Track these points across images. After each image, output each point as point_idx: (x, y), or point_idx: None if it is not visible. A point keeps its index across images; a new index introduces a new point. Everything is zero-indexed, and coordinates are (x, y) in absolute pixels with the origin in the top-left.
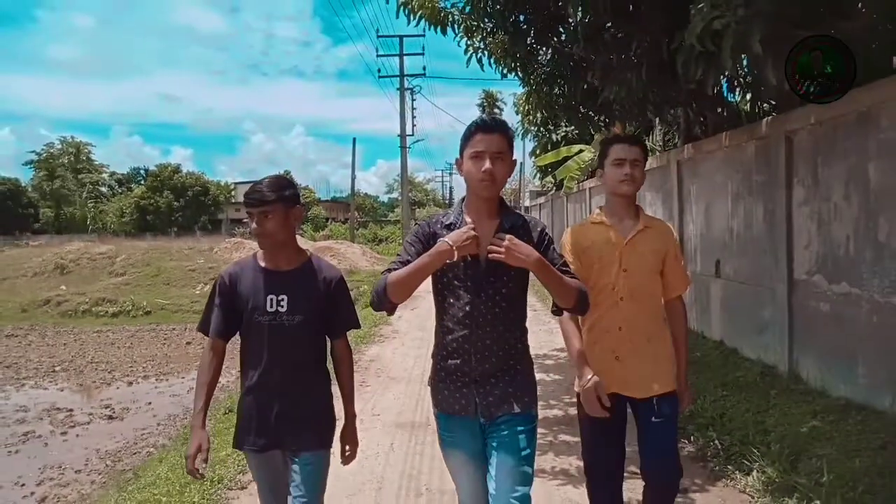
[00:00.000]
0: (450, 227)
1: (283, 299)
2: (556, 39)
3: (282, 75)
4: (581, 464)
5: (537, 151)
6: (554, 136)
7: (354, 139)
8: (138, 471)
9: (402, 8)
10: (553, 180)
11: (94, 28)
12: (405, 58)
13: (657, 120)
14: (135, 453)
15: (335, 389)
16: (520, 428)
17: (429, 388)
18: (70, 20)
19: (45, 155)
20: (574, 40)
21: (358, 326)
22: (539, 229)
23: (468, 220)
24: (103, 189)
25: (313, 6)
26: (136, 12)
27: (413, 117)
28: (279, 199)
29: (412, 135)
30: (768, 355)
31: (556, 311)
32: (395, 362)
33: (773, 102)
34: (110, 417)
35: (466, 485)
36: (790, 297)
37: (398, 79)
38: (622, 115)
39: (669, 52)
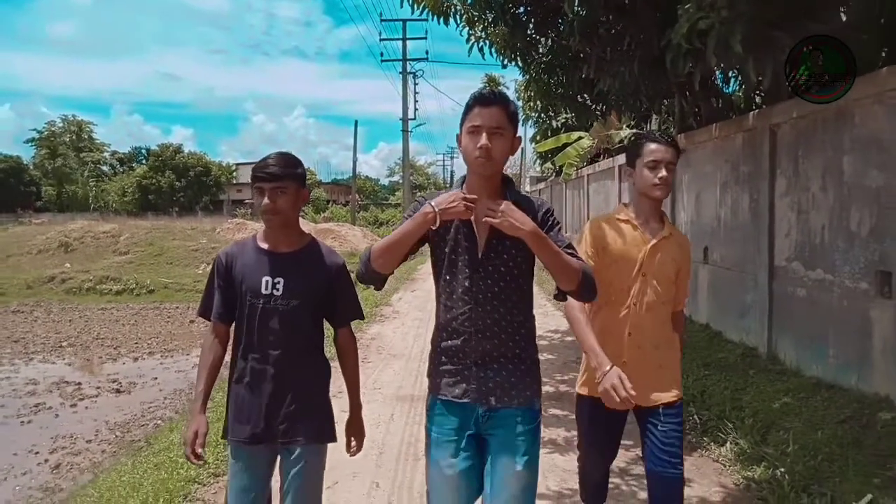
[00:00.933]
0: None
1: (279, 282)
2: (553, 32)
3: (283, 55)
4: (567, 434)
5: (537, 137)
6: (554, 123)
7: (356, 122)
8: (150, 439)
9: (418, 9)
10: (553, 166)
11: (95, 6)
12: (408, 42)
13: (653, 110)
14: (143, 425)
15: (336, 382)
16: (520, 429)
17: (427, 378)
18: None
19: (46, 133)
20: (570, 34)
21: (361, 317)
22: (544, 209)
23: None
24: (104, 168)
25: None
26: None
27: (415, 101)
28: (292, 177)
29: (414, 119)
30: (749, 338)
31: (559, 295)
32: (395, 340)
33: (763, 95)
34: (118, 391)
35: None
36: (770, 282)
37: (401, 63)
38: (618, 104)
39: (660, 48)
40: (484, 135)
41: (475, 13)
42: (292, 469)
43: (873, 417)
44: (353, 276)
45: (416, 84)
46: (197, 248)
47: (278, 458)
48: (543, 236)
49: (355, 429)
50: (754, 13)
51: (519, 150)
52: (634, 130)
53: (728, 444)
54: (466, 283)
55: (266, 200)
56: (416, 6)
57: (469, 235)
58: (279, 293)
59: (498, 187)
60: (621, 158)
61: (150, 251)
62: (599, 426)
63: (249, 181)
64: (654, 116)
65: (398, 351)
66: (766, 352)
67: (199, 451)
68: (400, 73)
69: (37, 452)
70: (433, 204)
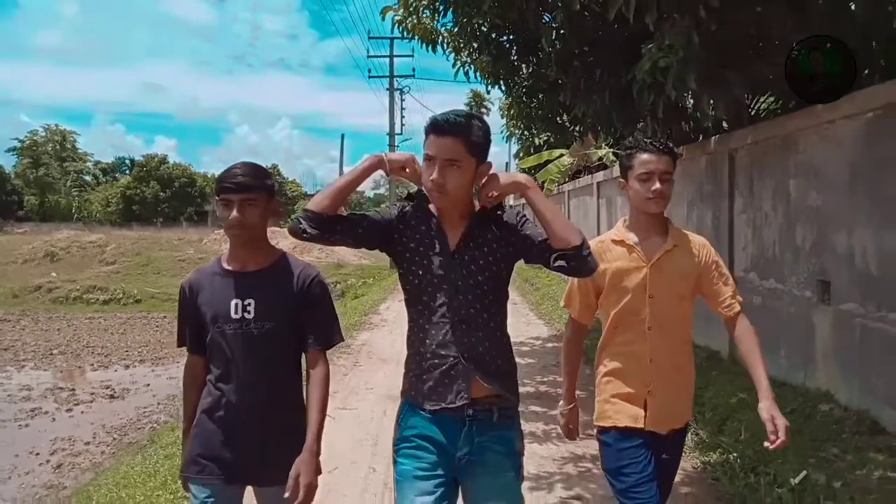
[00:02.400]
0: (406, 209)
1: (249, 304)
2: (533, 60)
3: (268, 68)
4: (546, 427)
5: (521, 154)
6: (537, 140)
7: (343, 136)
8: (153, 437)
9: (397, 26)
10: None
11: (79, 15)
12: (395, 58)
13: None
14: (139, 428)
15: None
16: (507, 474)
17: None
18: (54, 6)
19: (28, 142)
20: (548, 64)
21: (340, 340)
22: (515, 212)
23: (433, 209)
24: (87, 178)
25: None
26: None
27: (402, 117)
28: (262, 187)
29: (401, 134)
30: (713, 343)
31: (557, 257)
32: (384, 346)
33: (727, 121)
34: (112, 397)
35: None
36: None
37: (388, 79)
38: (594, 127)
39: (627, 80)
40: (437, 167)
41: (461, 42)
42: None
43: (815, 409)
44: (340, 285)
45: (402, 100)
46: (184, 259)
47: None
48: (536, 183)
49: (304, 468)
50: (707, 55)
51: (502, 161)
52: (613, 149)
53: (689, 435)
54: (442, 272)
55: (234, 213)
56: (405, 33)
57: (437, 229)
58: (251, 316)
59: (466, 210)
60: (600, 175)
61: (136, 261)
62: (639, 458)
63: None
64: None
65: (387, 356)
66: (728, 355)
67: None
68: (387, 89)
69: (37, 454)
70: (384, 153)
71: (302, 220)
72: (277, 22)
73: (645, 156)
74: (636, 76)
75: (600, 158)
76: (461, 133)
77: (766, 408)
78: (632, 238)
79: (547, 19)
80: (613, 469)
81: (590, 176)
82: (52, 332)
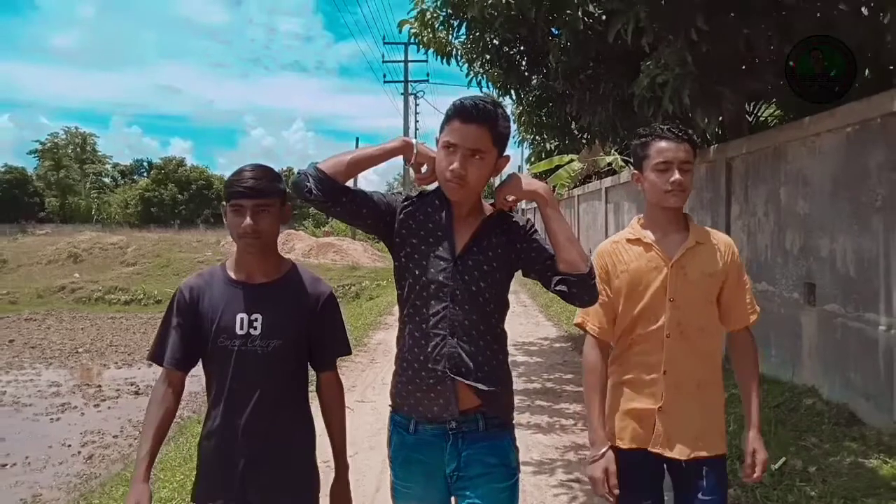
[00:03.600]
0: (414, 202)
1: (256, 319)
2: (542, 72)
3: (283, 70)
4: (550, 419)
5: (532, 159)
6: (548, 146)
7: (357, 139)
8: (182, 429)
9: (413, 38)
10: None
11: (96, 17)
12: (409, 62)
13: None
14: None
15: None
16: (499, 486)
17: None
18: (72, 9)
19: (49, 144)
20: (556, 77)
21: (348, 352)
22: (523, 222)
23: (440, 206)
24: (106, 180)
25: (316, 2)
26: (138, 2)
27: (416, 121)
28: (276, 192)
29: (415, 137)
30: None
31: (561, 282)
32: None
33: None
34: (136, 393)
35: None
36: None
37: (402, 84)
38: (601, 136)
39: (629, 93)
40: (458, 158)
41: (474, 54)
42: None
43: (799, 403)
44: (354, 288)
45: (417, 105)
46: (203, 261)
47: None
48: (556, 202)
49: (341, 495)
50: (700, 72)
51: (515, 164)
52: (622, 156)
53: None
54: (441, 278)
55: (247, 220)
56: (421, 46)
57: (444, 229)
58: (257, 332)
59: (475, 206)
60: (608, 181)
61: (157, 262)
62: (642, 489)
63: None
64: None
65: None
66: (722, 354)
67: None
68: (402, 94)
69: (69, 445)
70: (415, 141)
71: (310, 178)
72: (292, 24)
73: (662, 143)
74: (636, 91)
75: (609, 164)
76: (489, 121)
77: (752, 439)
78: (649, 236)
79: (554, 33)
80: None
81: (598, 181)
82: (76, 332)
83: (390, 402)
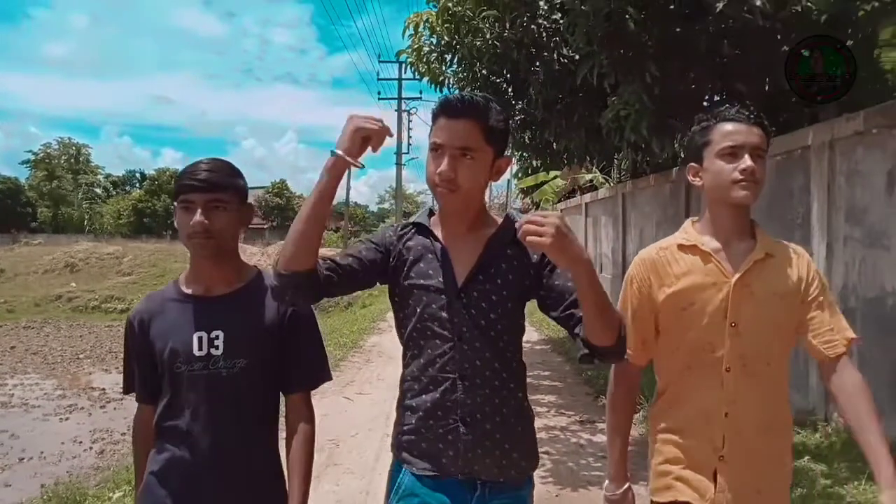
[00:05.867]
0: (405, 235)
1: (217, 337)
2: (524, 101)
3: (276, 81)
4: (553, 398)
5: (520, 175)
6: (534, 163)
7: None
8: None
9: (409, 66)
10: (531, 201)
11: (89, 27)
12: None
13: (615, 158)
14: None
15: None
16: None
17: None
18: (65, 19)
19: (41, 155)
20: (535, 106)
21: (328, 378)
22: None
23: (436, 233)
24: (98, 191)
25: (310, 14)
26: (132, 13)
27: (409, 137)
28: (234, 188)
29: (408, 153)
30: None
31: (587, 356)
32: (392, 347)
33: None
34: None
35: None
36: None
37: (396, 101)
38: (578, 158)
39: (599, 122)
40: (447, 158)
41: (464, 83)
42: None
43: None
44: (345, 299)
45: (409, 121)
46: None
47: None
48: (595, 271)
49: None
50: (656, 108)
51: (505, 175)
52: (603, 174)
53: (641, 412)
54: (444, 315)
55: (197, 217)
56: (416, 74)
57: (441, 258)
58: (219, 352)
59: (477, 218)
60: (587, 197)
61: (152, 272)
62: None
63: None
64: (616, 162)
65: (395, 355)
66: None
67: None
68: (395, 110)
69: (80, 442)
70: (339, 151)
71: (285, 290)
72: (286, 36)
73: (729, 126)
74: (603, 122)
75: (590, 181)
76: (478, 116)
77: (891, 499)
78: (707, 243)
79: (534, 69)
80: None
81: (579, 197)
82: (75, 339)
83: (393, 452)
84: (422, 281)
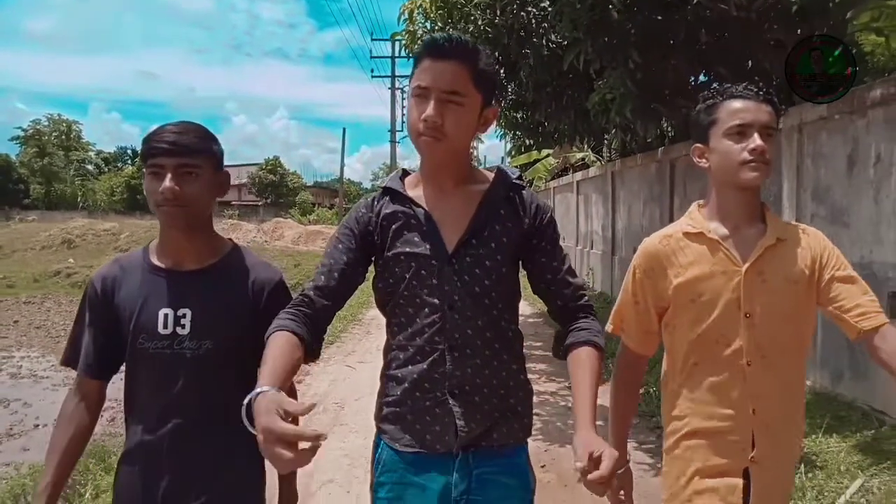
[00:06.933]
0: (379, 204)
1: (184, 315)
2: (516, 82)
3: (266, 57)
4: (544, 366)
5: (513, 153)
6: (527, 141)
7: (344, 129)
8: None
9: (404, 48)
10: (524, 179)
11: (75, 2)
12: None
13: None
14: None
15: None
16: (515, 499)
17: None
18: None
19: (31, 131)
20: (526, 88)
21: (314, 358)
22: (542, 216)
23: (410, 194)
24: (89, 167)
25: None
26: None
27: (403, 114)
28: (208, 152)
29: (401, 131)
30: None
31: (559, 351)
32: None
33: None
34: None
35: None
36: None
37: (389, 79)
38: (568, 137)
39: (586, 105)
40: (432, 102)
41: None
42: None
43: None
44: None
45: (403, 98)
46: None
47: None
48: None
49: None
50: (640, 92)
51: (498, 152)
52: (595, 153)
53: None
54: (434, 282)
55: (167, 183)
56: (411, 56)
57: (427, 222)
58: (185, 332)
59: (464, 173)
60: (579, 175)
61: None
62: None
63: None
64: (606, 141)
65: None
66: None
67: None
68: (389, 88)
69: None
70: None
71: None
72: (275, 10)
73: (738, 103)
74: (590, 105)
75: (581, 159)
76: (466, 57)
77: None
78: (715, 229)
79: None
80: None
81: (571, 175)
82: (75, 314)
83: (376, 425)
84: (408, 249)
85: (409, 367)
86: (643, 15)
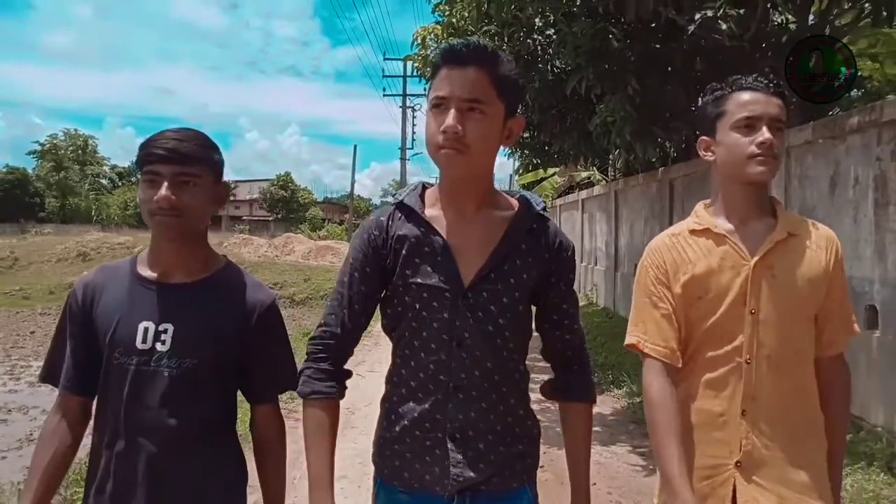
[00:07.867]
0: (393, 223)
1: (165, 331)
2: (522, 106)
3: (279, 74)
4: (547, 376)
5: (520, 171)
6: (534, 160)
7: (355, 146)
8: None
9: (416, 70)
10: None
11: (92, 18)
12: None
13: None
14: None
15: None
16: None
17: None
18: (67, 9)
19: (48, 146)
20: (532, 111)
21: (295, 386)
22: (564, 251)
23: (427, 214)
24: (104, 181)
25: (314, 6)
26: (134, 4)
27: (413, 133)
28: (208, 162)
29: (412, 148)
30: None
31: (549, 391)
32: None
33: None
34: None
35: None
36: None
37: (401, 97)
38: (572, 158)
39: (588, 127)
40: (452, 111)
41: None
42: None
43: None
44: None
45: (414, 116)
46: None
47: None
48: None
49: None
50: (638, 116)
51: (507, 170)
52: (600, 171)
53: (624, 388)
54: (445, 316)
55: (162, 192)
56: (423, 78)
57: (442, 250)
58: (165, 348)
59: (487, 195)
60: (584, 193)
61: None
62: None
63: (140, 170)
64: (610, 161)
65: None
66: None
67: None
68: (400, 106)
69: None
70: None
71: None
72: (290, 28)
73: (746, 95)
74: (591, 127)
75: (587, 178)
76: (487, 63)
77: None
78: (721, 224)
79: (532, 76)
80: None
81: (576, 193)
82: None
83: (374, 464)
84: (419, 279)
85: (411, 403)
86: (641, 44)
